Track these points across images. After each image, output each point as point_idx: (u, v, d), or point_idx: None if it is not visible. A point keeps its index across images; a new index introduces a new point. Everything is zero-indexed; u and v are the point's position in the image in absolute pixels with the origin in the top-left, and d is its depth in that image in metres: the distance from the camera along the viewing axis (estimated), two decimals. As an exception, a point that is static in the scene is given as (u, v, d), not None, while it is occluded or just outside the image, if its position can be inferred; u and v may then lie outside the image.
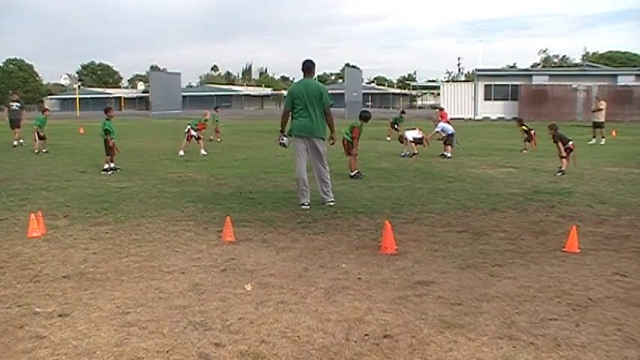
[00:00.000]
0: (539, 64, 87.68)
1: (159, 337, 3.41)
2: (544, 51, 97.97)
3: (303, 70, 7.65)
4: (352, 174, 10.20)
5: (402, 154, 14.00)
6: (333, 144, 7.83)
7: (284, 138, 7.77)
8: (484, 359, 3.13)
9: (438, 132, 14.33)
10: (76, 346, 3.30)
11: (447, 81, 71.13)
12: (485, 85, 40.85)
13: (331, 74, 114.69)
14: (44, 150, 15.37)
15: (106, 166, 11.18)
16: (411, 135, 14.07)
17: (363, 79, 58.83)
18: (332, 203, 7.50)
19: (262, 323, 3.62)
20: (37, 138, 15.53)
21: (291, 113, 7.63)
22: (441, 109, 20.45)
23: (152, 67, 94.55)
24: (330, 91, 7.96)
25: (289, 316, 3.74)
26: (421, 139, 13.97)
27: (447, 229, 6.25)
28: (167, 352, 3.22)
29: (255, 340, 3.38)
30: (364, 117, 10.72)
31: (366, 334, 3.45)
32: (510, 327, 3.55)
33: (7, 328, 3.56)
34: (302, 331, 3.49)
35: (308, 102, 7.38)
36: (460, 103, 41.23)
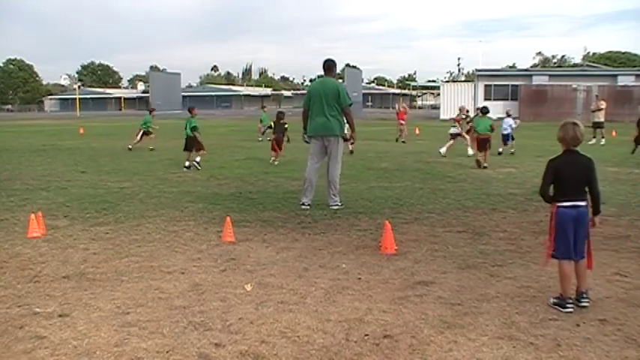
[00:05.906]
0: (537, 66, 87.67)
1: (159, 338, 3.41)
2: (539, 53, 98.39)
3: (323, 68, 7.65)
4: (484, 165, 11.69)
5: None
6: (353, 143, 7.73)
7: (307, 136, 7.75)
8: (484, 359, 3.13)
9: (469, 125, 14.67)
10: (76, 346, 3.30)
11: (447, 81, 71.06)
12: (485, 85, 40.79)
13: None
14: (150, 147, 15.95)
15: (198, 158, 11.62)
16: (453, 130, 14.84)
17: (362, 79, 58.91)
18: (335, 207, 7.42)
19: (262, 323, 3.62)
20: (140, 137, 16.34)
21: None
22: (401, 108, 20.36)
23: (152, 67, 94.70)
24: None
25: (289, 317, 3.74)
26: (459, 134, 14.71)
27: (447, 229, 6.25)
28: (167, 352, 3.22)
29: (255, 340, 3.38)
30: (487, 111, 12.74)
31: (366, 334, 3.45)
32: (510, 327, 3.55)
33: (7, 328, 3.56)
34: (302, 332, 3.49)
35: (325, 100, 7.32)
36: (460, 103, 41.16)
